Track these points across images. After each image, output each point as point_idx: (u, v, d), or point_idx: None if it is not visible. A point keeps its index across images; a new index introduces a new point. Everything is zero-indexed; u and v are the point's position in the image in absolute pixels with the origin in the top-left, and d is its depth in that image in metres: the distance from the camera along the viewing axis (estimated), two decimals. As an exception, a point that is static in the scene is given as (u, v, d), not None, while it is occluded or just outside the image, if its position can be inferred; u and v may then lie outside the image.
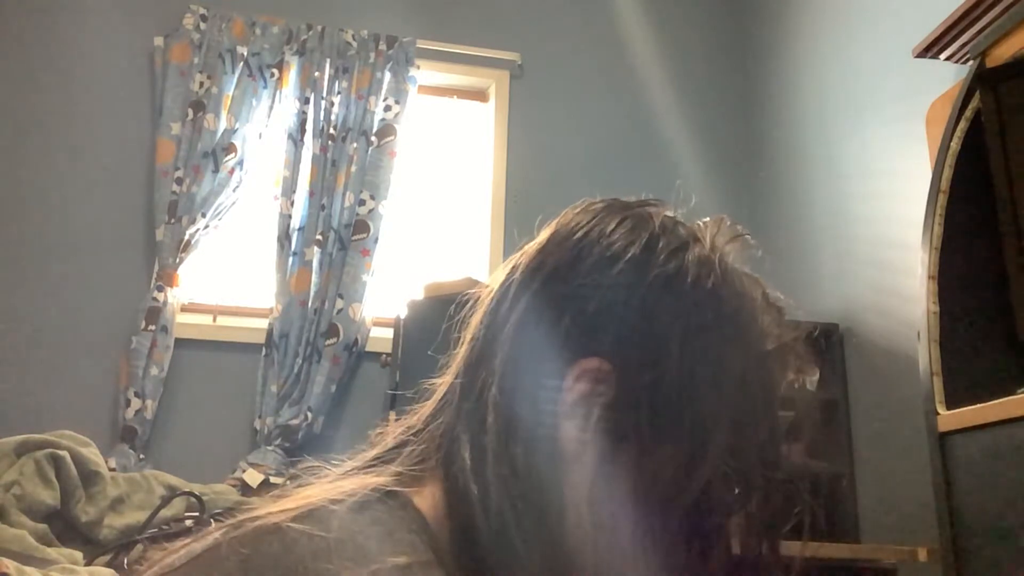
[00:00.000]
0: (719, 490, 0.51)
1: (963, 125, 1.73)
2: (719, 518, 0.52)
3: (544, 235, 0.57)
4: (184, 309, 2.89)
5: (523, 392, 0.50)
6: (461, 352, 0.56)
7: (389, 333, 2.77)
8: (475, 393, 0.52)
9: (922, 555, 0.99)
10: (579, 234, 0.55)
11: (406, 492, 0.50)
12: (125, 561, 1.67)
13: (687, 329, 0.52)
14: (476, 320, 0.57)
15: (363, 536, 0.44)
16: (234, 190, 2.91)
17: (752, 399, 0.53)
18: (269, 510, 0.47)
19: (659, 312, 0.51)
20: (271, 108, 3.02)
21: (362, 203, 2.95)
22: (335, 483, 0.52)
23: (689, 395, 0.50)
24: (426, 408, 0.58)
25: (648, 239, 0.55)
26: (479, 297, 0.58)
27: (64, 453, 1.68)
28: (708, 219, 0.62)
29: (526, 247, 0.58)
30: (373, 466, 0.55)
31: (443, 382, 0.57)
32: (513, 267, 0.57)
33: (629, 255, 0.53)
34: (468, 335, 0.56)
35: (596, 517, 0.48)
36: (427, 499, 0.50)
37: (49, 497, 1.61)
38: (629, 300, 0.51)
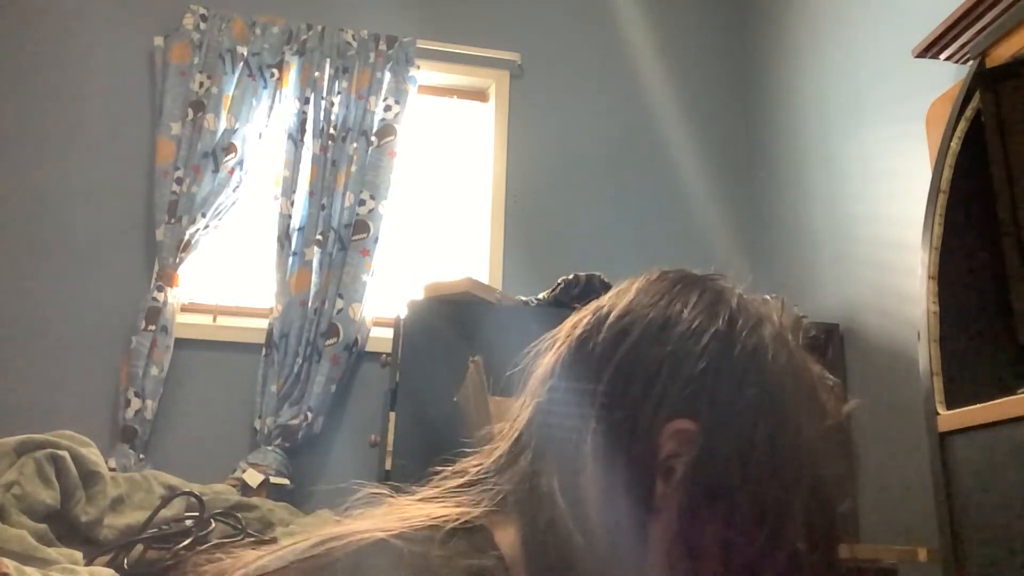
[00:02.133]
0: (786, 554, 0.53)
1: (963, 125, 1.73)
2: None
3: (625, 300, 0.63)
4: (184, 309, 2.89)
5: (617, 445, 0.53)
6: (534, 397, 0.60)
7: (389, 333, 2.77)
8: (563, 441, 0.55)
9: (922, 555, 0.99)
10: (664, 302, 0.62)
11: (488, 528, 0.52)
12: (125, 561, 1.67)
13: (772, 399, 0.55)
14: (549, 365, 0.61)
15: (462, 559, 0.46)
16: (234, 190, 2.91)
17: (821, 468, 0.56)
18: (368, 526, 0.49)
19: (746, 382, 0.55)
20: (271, 108, 3.02)
21: (362, 203, 2.95)
22: (419, 507, 0.54)
23: (771, 461, 0.53)
24: (501, 447, 0.61)
25: (730, 314, 0.59)
26: (550, 340, 0.62)
27: (64, 453, 1.68)
28: (767, 297, 0.65)
29: (602, 305, 0.62)
30: (449, 497, 0.58)
31: (519, 422, 0.61)
32: (592, 325, 0.60)
33: (715, 328, 0.58)
34: (540, 380, 0.60)
35: (672, 573, 0.51)
36: (506, 538, 0.52)
37: (49, 497, 1.61)
38: (720, 368, 0.55)
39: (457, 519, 0.52)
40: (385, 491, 0.58)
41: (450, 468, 0.61)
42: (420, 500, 0.57)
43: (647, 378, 0.55)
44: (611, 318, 0.60)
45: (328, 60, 3.07)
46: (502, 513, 0.55)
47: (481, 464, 0.61)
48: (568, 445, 0.54)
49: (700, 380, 0.54)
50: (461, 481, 0.60)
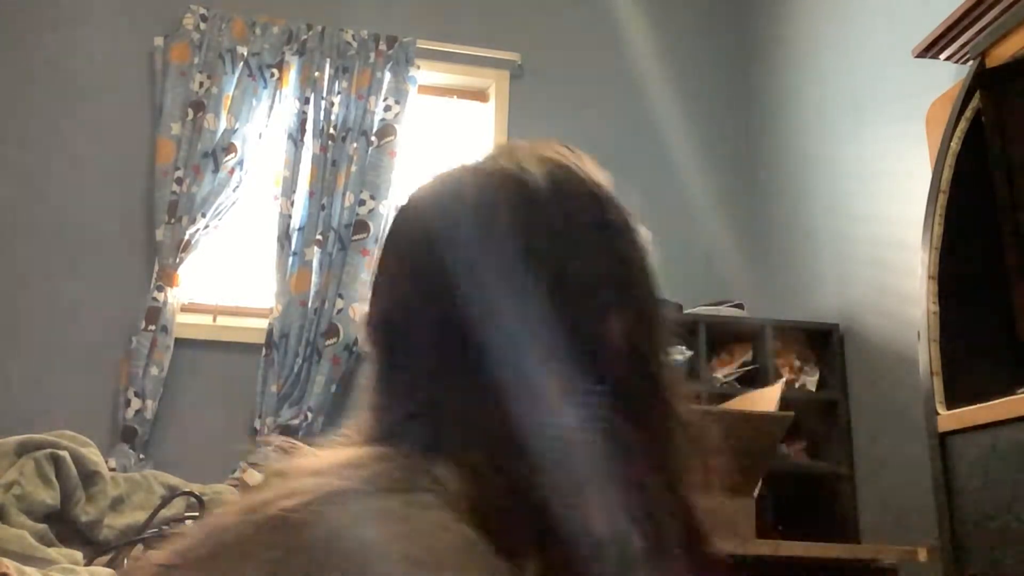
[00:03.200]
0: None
1: (963, 125, 1.73)
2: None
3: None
4: (184, 309, 2.89)
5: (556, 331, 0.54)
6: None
7: (389, 333, 2.77)
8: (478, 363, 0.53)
9: (922, 555, 0.99)
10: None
11: (428, 468, 0.49)
12: (125, 561, 1.67)
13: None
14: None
15: (398, 518, 0.43)
16: (234, 190, 2.91)
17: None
18: (286, 493, 0.45)
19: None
20: (271, 108, 3.02)
21: (362, 203, 2.95)
22: (342, 459, 0.50)
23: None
24: (416, 378, 0.57)
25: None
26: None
27: (64, 453, 1.68)
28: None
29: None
30: (379, 442, 0.54)
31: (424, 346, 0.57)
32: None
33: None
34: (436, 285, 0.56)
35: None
36: (449, 471, 0.50)
37: (49, 497, 1.61)
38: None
39: (390, 464, 0.49)
40: (294, 442, 0.55)
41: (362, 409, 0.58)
42: (345, 445, 0.55)
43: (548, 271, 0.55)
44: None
45: (328, 60, 3.07)
46: (440, 443, 0.52)
47: (400, 401, 0.57)
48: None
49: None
50: (389, 422, 0.56)
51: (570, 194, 0.58)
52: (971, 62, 1.83)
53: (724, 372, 2.68)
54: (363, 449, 0.52)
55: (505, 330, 0.52)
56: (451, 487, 0.47)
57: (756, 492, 1.73)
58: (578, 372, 0.52)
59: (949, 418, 1.52)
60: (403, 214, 0.60)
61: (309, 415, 2.72)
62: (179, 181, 2.86)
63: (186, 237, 2.81)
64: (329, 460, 0.50)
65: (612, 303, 0.56)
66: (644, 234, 0.63)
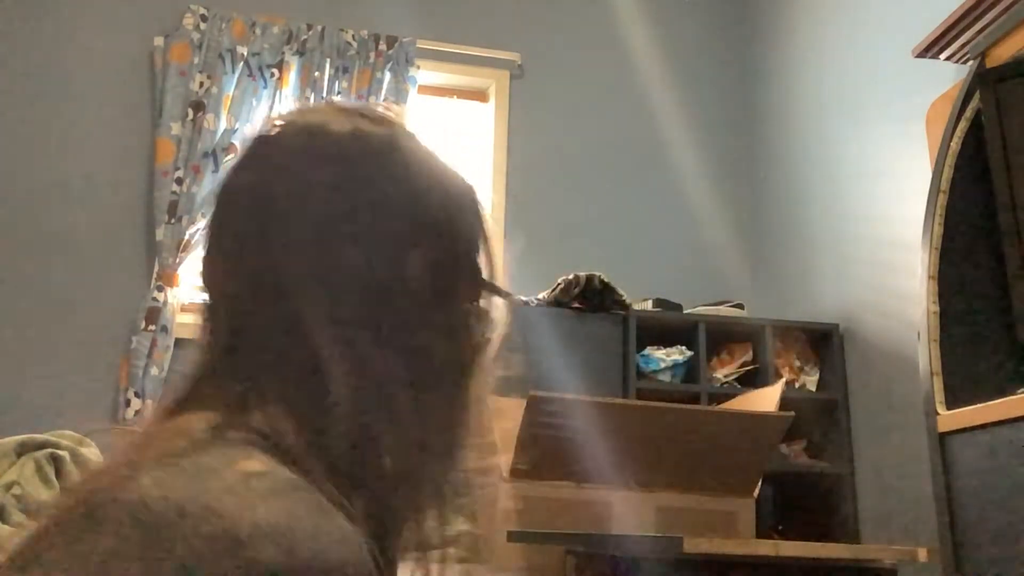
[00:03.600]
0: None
1: (963, 125, 1.73)
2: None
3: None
4: (184, 309, 2.89)
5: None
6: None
7: (389, 333, 2.77)
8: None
9: (922, 555, 0.99)
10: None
11: (245, 421, 0.50)
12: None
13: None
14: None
15: (229, 478, 0.43)
16: (234, 190, 2.91)
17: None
18: (106, 480, 0.44)
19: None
20: (271, 108, 3.02)
21: (362, 203, 2.95)
22: (161, 430, 0.50)
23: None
24: (217, 333, 0.56)
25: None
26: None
27: (64, 453, 1.68)
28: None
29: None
30: (190, 402, 0.53)
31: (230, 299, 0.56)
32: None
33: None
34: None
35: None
36: (267, 420, 0.50)
37: (49, 497, 1.61)
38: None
39: (209, 424, 0.49)
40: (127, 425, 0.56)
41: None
42: (167, 415, 0.53)
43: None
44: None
45: (328, 60, 3.07)
46: (251, 396, 0.52)
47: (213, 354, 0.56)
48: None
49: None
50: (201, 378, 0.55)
51: (371, 147, 0.58)
52: (971, 62, 1.83)
53: (724, 372, 2.69)
54: (181, 415, 0.52)
55: (302, 278, 0.53)
56: (267, 435, 0.49)
57: (756, 492, 1.74)
58: (371, 317, 0.53)
59: (949, 418, 1.53)
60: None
61: (309, 415, 2.71)
62: (179, 181, 2.86)
63: (186, 237, 2.81)
64: (148, 431, 0.51)
65: (405, 247, 0.55)
66: (458, 188, 0.62)
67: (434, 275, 0.55)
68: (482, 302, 0.61)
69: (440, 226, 0.57)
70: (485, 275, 0.62)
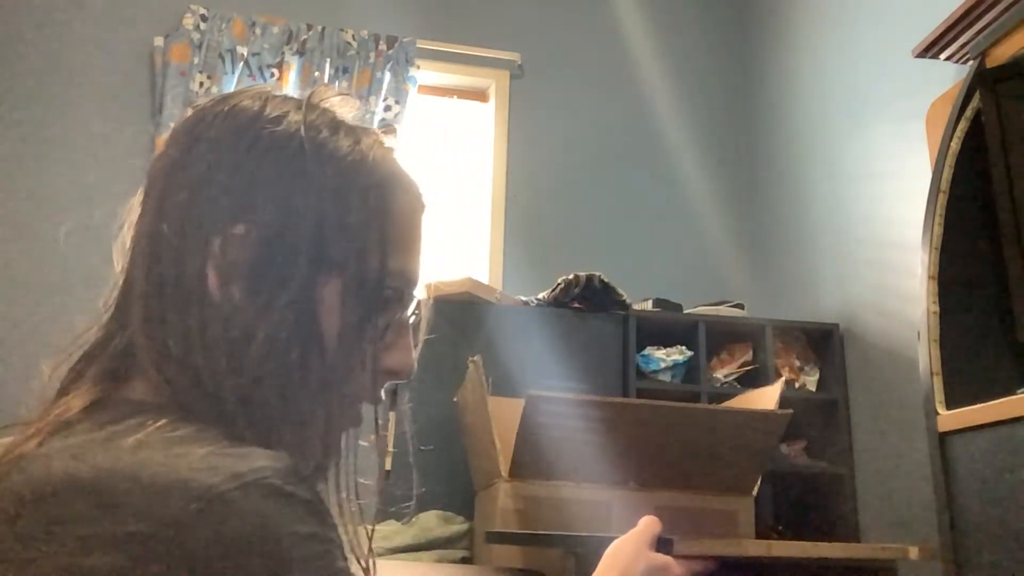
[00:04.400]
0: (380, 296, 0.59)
1: (963, 125, 1.73)
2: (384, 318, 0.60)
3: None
4: (184, 309, 2.89)
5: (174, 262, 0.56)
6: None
7: (389, 333, 2.77)
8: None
9: (913, 553, 0.99)
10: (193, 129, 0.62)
11: (123, 394, 0.55)
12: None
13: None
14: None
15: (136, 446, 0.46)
16: (234, 190, 2.91)
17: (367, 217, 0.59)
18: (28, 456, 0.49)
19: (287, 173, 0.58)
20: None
21: (362, 203, 2.95)
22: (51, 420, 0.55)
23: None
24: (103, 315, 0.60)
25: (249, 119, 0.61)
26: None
27: None
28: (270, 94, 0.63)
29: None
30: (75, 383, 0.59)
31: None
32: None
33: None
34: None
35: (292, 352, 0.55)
36: (139, 389, 0.55)
37: None
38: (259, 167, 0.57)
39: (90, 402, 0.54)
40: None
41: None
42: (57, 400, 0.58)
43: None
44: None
45: (328, 60, 3.07)
46: (128, 370, 0.56)
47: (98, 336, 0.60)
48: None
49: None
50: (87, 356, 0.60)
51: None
52: (971, 62, 1.83)
53: (724, 372, 2.68)
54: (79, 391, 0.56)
55: (173, 245, 0.56)
56: (149, 399, 0.53)
57: (755, 491, 1.74)
58: (243, 285, 0.55)
59: (949, 418, 1.52)
60: None
61: (309, 415, 2.72)
62: (179, 181, 2.86)
63: (186, 237, 2.81)
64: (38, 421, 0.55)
65: (217, 226, 0.55)
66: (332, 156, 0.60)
67: (294, 250, 0.55)
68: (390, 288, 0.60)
69: (314, 209, 0.56)
70: (395, 265, 0.60)
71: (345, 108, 0.66)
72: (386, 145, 0.66)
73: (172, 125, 2.91)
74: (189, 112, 0.62)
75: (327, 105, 0.64)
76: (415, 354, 0.65)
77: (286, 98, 0.62)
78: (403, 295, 0.62)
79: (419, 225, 0.64)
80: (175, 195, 0.57)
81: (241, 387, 0.53)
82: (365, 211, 0.59)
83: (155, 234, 0.57)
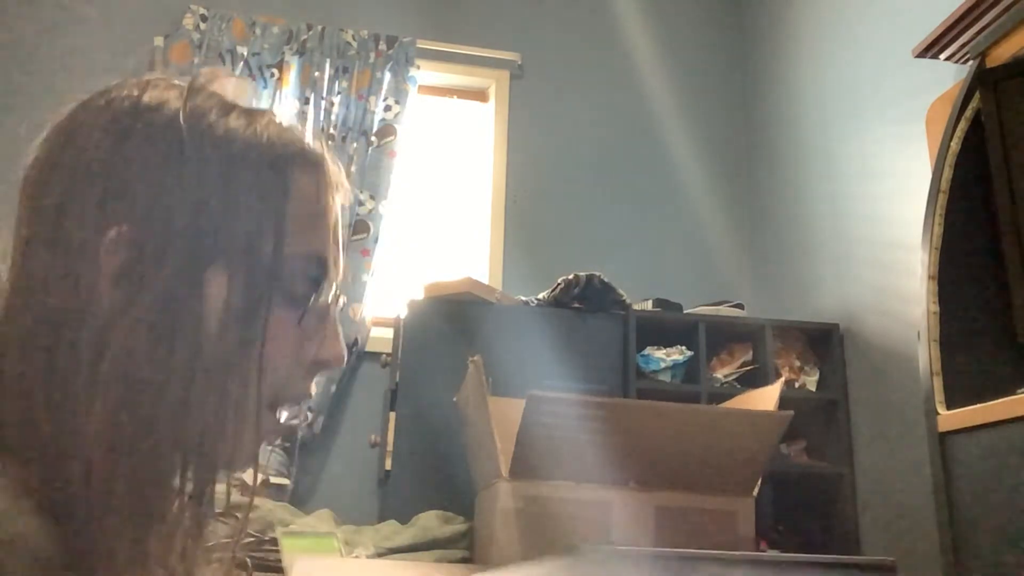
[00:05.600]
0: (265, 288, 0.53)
1: (963, 125, 1.73)
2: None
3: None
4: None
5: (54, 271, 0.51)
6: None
7: (389, 333, 2.77)
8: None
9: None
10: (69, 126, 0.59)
11: None
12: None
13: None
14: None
15: None
16: (234, 190, 2.91)
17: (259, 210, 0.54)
18: None
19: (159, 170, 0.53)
20: (271, 108, 3.02)
21: (362, 203, 2.95)
22: None
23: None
24: None
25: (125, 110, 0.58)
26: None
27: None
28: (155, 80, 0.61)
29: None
30: None
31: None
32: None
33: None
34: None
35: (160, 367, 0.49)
36: None
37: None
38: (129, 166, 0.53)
39: None
40: None
41: None
42: None
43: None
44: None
45: (328, 60, 3.08)
46: None
47: None
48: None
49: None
50: None
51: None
52: (971, 62, 1.83)
53: (724, 372, 2.68)
54: None
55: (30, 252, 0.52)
56: None
57: (755, 492, 1.74)
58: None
59: (949, 418, 1.52)
60: None
61: (309, 415, 2.72)
62: (179, 181, 2.86)
63: (186, 237, 2.81)
64: None
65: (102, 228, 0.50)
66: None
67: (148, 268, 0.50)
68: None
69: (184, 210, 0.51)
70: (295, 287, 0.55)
71: (238, 90, 0.60)
72: (285, 124, 0.59)
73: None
74: (66, 107, 0.58)
75: (215, 88, 0.58)
76: (343, 343, 0.60)
77: (170, 84, 0.58)
78: (315, 279, 0.57)
79: (328, 204, 0.59)
80: (46, 201, 0.52)
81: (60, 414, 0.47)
82: (255, 194, 0.53)
83: (28, 245, 0.52)
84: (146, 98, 0.56)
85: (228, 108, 0.56)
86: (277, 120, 0.59)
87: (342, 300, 0.61)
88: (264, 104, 0.62)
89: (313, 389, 0.60)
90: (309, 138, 0.60)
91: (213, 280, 0.51)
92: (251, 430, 0.53)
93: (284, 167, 0.56)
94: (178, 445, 0.50)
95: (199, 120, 0.54)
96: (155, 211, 0.51)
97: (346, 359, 0.60)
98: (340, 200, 0.61)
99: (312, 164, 0.58)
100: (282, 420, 0.58)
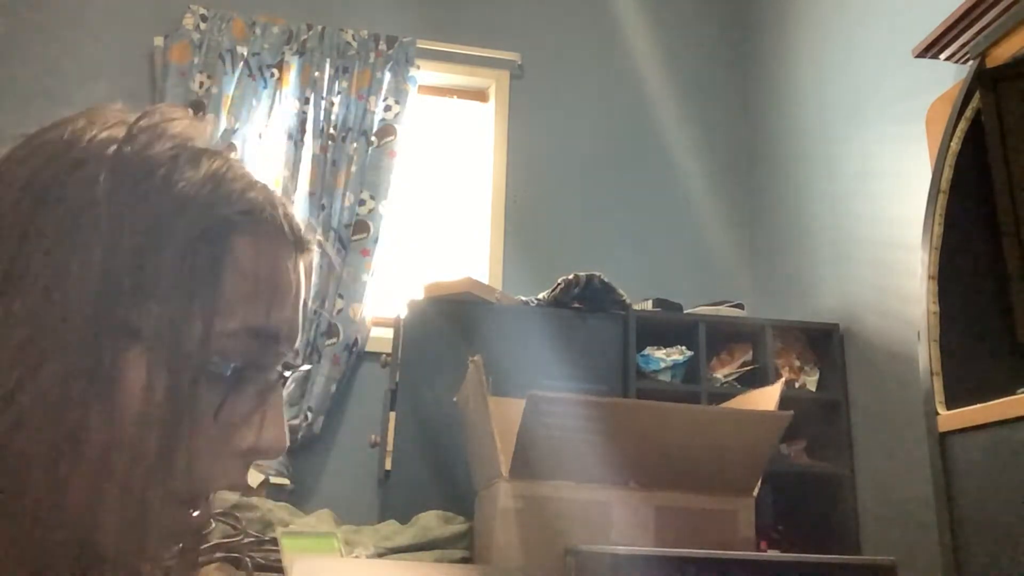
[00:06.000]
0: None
1: (963, 125, 1.73)
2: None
3: None
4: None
5: None
6: None
7: (389, 333, 2.77)
8: None
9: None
10: None
11: None
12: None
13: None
14: None
15: None
16: (234, 190, 2.91)
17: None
18: None
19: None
20: (271, 108, 3.02)
21: (362, 203, 2.95)
22: None
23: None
24: None
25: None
26: None
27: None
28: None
29: None
30: None
31: None
32: None
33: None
34: None
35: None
36: None
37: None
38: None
39: None
40: None
41: None
42: None
43: None
44: None
45: (328, 60, 3.08)
46: None
47: None
48: None
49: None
50: None
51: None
52: (971, 62, 1.83)
53: (724, 372, 2.68)
54: None
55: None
56: None
57: (756, 492, 1.74)
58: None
59: (949, 418, 1.52)
60: None
61: (309, 415, 2.72)
62: (179, 181, 2.86)
63: (186, 237, 2.81)
64: None
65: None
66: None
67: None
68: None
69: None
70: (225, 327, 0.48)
71: (191, 131, 0.52)
72: (235, 173, 0.51)
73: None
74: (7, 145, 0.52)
75: (161, 131, 0.50)
76: (285, 427, 0.52)
77: (105, 127, 0.51)
78: (255, 358, 0.50)
79: (281, 271, 0.51)
80: None
81: None
82: (183, 267, 0.46)
83: None
84: (74, 150, 0.49)
85: (168, 158, 0.49)
86: (225, 170, 0.51)
87: (303, 368, 0.56)
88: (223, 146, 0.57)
89: (250, 478, 0.52)
90: (259, 193, 0.52)
91: (127, 365, 0.45)
92: (156, 532, 0.47)
93: (226, 230, 0.49)
94: (60, 550, 0.44)
95: (126, 179, 0.47)
96: (61, 285, 0.45)
97: (287, 445, 0.52)
98: (302, 260, 0.54)
99: (266, 225, 0.51)
100: (198, 514, 0.50)
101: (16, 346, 0.44)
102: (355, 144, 3.01)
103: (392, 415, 2.37)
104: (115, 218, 0.46)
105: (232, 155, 0.53)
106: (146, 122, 0.50)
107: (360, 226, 2.93)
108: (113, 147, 0.49)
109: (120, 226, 0.46)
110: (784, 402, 1.81)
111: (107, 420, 0.45)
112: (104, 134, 0.50)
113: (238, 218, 0.49)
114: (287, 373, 0.53)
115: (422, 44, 3.20)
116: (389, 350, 2.68)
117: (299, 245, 0.54)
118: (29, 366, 0.44)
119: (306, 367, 0.49)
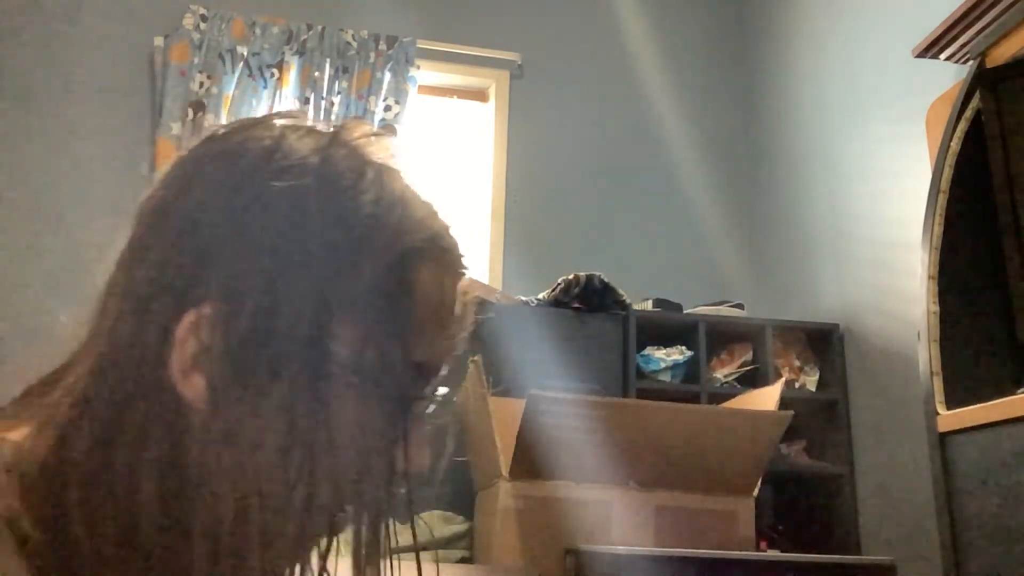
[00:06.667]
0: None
1: (963, 125, 1.73)
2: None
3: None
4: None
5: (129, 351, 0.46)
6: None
7: (389, 333, 2.77)
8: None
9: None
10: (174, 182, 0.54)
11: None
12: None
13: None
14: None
15: None
16: (234, 190, 2.91)
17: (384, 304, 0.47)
18: None
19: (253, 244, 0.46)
20: (271, 108, 3.02)
21: (362, 203, 2.95)
22: None
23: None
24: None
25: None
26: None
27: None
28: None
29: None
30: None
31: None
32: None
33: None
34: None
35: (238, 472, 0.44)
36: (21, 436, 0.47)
37: None
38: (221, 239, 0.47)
39: None
40: None
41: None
42: None
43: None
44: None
45: (328, 60, 3.07)
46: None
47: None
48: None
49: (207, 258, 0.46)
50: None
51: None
52: (971, 62, 1.83)
53: (724, 372, 2.68)
54: None
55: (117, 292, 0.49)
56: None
57: (756, 492, 1.74)
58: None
59: (949, 418, 1.52)
60: None
61: (309, 415, 2.71)
62: (179, 181, 2.86)
63: (186, 237, 2.81)
64: None
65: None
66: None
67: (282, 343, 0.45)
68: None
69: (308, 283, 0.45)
70: (410, 355, 0.48)
71: (378, 147, 0.53)
72: (423, 195, 0.52)
73: (174, 131, 2.92)
74: (198, 140, 0.52)
75: (357, 146, 0.52)
76: (427, 449, 0.52)
77: (307, 134, 0.52)
78: (423, 385, 0.51)
79: (450, 301, 0.51)
80: (150, 253, 0.48)
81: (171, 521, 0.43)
82: (381, 295, 0.46)
83: (122, 294, 0.48)
84: (280, 153, 0.49)
85: (365, 176, 0.50)
86: (411, 194, 0.52)
87: (442, 391, 0.55)
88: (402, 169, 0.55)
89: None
90: (439, 220, 0.52)
91: (339, 396, 0.45)
92: (303, 540, 0.48)
93: (412, 261, 0.48)
94: (214, 555, 0.44)
95: (332, 189, 0.48)
96: (271, 294, 0.45)
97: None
98: (460, 284, 0.53)
99: (440, 253, 0.51)
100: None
101: (223, 362, 0.44)
102: (355, 144, 3.01)
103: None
104: (325, 230, 0.46)
105: (411, 173, 0.54)
106: (343, 136, 0.52)
107: (360, 226, 2.93)
108: (315, 159, 0.49)
109: (332, 241, 0.46)
110: (784, 402, 1.81)
111: (326, 448, 0.45)
112: (309, 136, 0.51)
113: (423, 245, 0.49)
114: (436, 395, 0.53)
115: (422, 44, 3.20)
116: (389, 350, 2.67)
117: (463, 271, 0.53)
118: (244, 388, 0.44)
119: (444, 390, 0.50)
